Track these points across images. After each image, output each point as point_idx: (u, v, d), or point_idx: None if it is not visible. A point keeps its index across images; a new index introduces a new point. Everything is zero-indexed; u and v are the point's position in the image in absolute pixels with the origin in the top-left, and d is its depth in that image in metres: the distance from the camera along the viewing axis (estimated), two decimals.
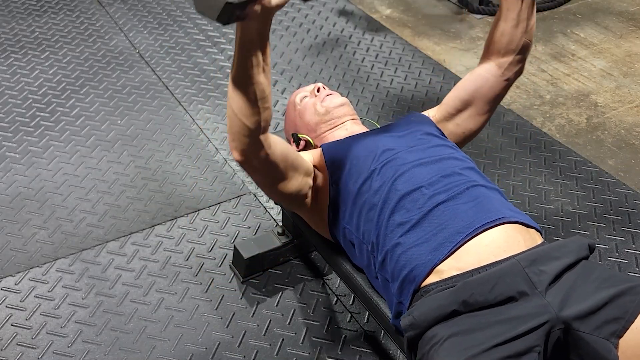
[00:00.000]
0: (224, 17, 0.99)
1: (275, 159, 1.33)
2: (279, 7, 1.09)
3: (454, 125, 1.60)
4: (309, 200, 1.49)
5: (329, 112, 1.63)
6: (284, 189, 1.41)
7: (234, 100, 1.20)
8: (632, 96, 2.86)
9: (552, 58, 3.12)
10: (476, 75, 1.57)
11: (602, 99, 2.84)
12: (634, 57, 3.12)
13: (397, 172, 1.37)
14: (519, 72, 1.56)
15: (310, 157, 1.51)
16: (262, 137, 1.26)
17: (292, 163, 1.39)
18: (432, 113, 1.65)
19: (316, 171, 1.49)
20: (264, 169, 1.35)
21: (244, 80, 1.17)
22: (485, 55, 1.56)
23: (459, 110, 1.59)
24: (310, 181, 1.46)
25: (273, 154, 1.31)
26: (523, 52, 1.52)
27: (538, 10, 3.50)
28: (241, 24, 1.11)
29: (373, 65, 3.06)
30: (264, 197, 2.30)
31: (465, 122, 1.60)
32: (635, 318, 1.16)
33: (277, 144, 1.34)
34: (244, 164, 1.31)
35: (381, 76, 2.98)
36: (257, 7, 1.05)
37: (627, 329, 1.15)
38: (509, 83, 1.57)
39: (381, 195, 1.36)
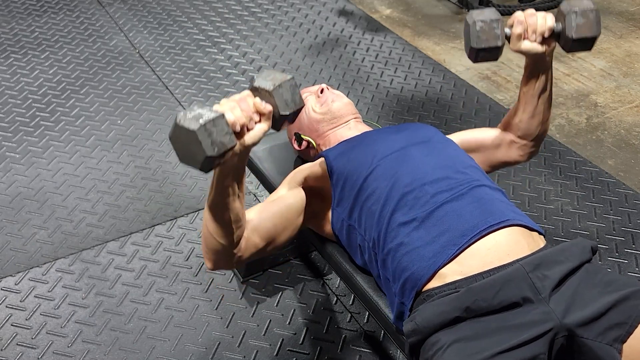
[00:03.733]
0: (207, 166, 1.07)
1: (252, 252, 1.36)
2: (255, 144, 1.15)
3: None
4: (309, 219, 1.50)
5: (332, 112, 1.63)
6: (276, 246, 1.44)
7: (209, 222, 1.26)
8: (632, 96, 2.86)
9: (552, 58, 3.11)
10: (495, 133, 1.61)
11: (602, 99, 2.84)
12: (634, 57, 3.12)
13: (399, 168, 1.37)
14: (533, 154, 1.62)
15: (300, 178, 1.49)
16: (234, 250, 1.31)
17: (279, 228, 1.41)
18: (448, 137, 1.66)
19: (316, 184, 1.49)
20: (240, 265, 1.41)
21: (219, 207, 1.22)
22: (505, 128, 1.61)
23: (467, 150, 1.62)
24: (302, 215, 1.47)
25: (247, 252, 1.35)
26: (538, 139, 1.58)
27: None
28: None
29: (373, 65, 3.06)
30: (263, 197, 2.30)
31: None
32: (639, 323, 1.15)
33: (256, 233, 1.35)
34: (217, 270, 1.38)
35: (381, 76, 2.98)
36: (236, 149, 1.11)
37: (631, 334, 1.15)
38: (521, 159, 1.63)
39: (382, 192, 1.35)
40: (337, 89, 2.87)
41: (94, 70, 2.98)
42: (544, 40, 1.40)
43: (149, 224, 2.20)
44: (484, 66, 3.06)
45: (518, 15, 1.38)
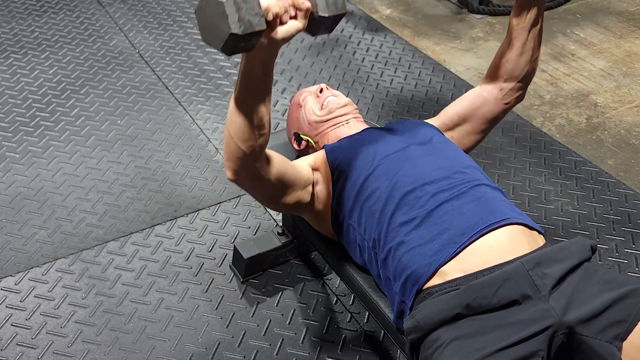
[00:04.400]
0: (229, 47, 1.00)
1: (269, 180, 1.33)
2: (285, 40, 1.10)
3: (450, 138, 1.61)
4: (311, 205, 1.49)
5: (331, 112, 1.64)
6: (282, 203, 1.42)
7: (232, 124, 1.21)
8: (632, 96, 2.86)
9: (552, 58, 3.12)
10: (477, 94, 1.59)
11: (602, 99, 2.84)
12: (633, 57, 3.12)
13: (400, 169, 1.38)
14: (519, 98, 1.59)
15: (311, 161, 1.51)
16: (257, 163, 1.27)
17: (288, 181, 1.40)
18: (430, 122, 1.65)
19: (319, 173, 1.49)
20: (257, 189, 1.36)
21: (244, 106, 1.18)
22: (489, 77, 1.58)
23: (456, 125, 1.62)
24: (310, 190, 1.47)
25: (267, 176, 1.31)
26: (525, 80, 1.55)
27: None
28: (246, 54, 1.11)
29: (373, 65, 3.06)
30: None
31: (461, 137, 1.62)
32: (638, 321, 1.15)
33: (273, 165, 1.33)
34: (237, 182, 1.32)
35: (381, 76, 2.98)
36: (264, 40, 1.07)
37: (631, 331, 1.15)
38: (508, 107, 1.60)
39: (383, 192, 1.36)
40: (337, 89, 2.87)
41: (94, 70, 2.98)
42: None
43: (149, 224, 2.20)
44: (484, 66, 3.06)
45: None
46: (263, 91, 1.17)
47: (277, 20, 1.07)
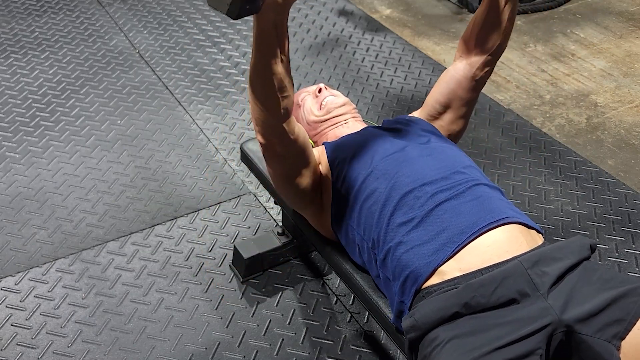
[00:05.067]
0: (235, 10, 0.97)
1: (297, 146, 1.34)
2: (293, 1, 1.08)
3: (438, 127, 1.61)
4: (313, 198, 1.49)
5: (330, 112, 1.64)
6: (295, 184, 1.43)
7: (254, 89, 1.21)
8: (632, 96, 2.86)
9: (552, 58, 3.12)
10: (449, 77, 1.58)
11: (602, 99, 2.84)
12: (633, 57, 3.12)
13: (398, 169, 1.38)
14: (488, 73, 1.57)
15: (315, 154, 1.51)
16: (284, 124, 1.27)
17: (307, 156, 1.41)
18: (416, 115, 1.65)
19: (322, 166, 1.50)
20: (285, 156, 1.36)
21: (261, 70, 1.17)
22: (459, 51, 1.57)
23: (440, 113, 1.61)
24: (317, 177, 1.47)
25: (296, 141, 1.32)
26: (495, 53, 1.53)
27: (538, 10, 3.50)
28: (257, 15, 1.09)
29: (373, 65, 3.06)
30: (264, 197, 2.30)
31: (448, 124, 1.62)
32: (637, 320, 1.15)
33: (300, 131, 1.35)
34: (267, 148, 1.32)
35: (381, 76, 2.98)
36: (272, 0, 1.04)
37: (629, 330, 1.15)
38: (478, 84, 1.58)
39: (382, 192, 1.36)
40: (337, 89, 2.87)
41: (94, 70, 2.98)
42: None
43: (149, 224, 2.20)
44: None
45: None
46: (279, 53, 1.15)
47: None
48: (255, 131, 1.29)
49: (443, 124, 1.61)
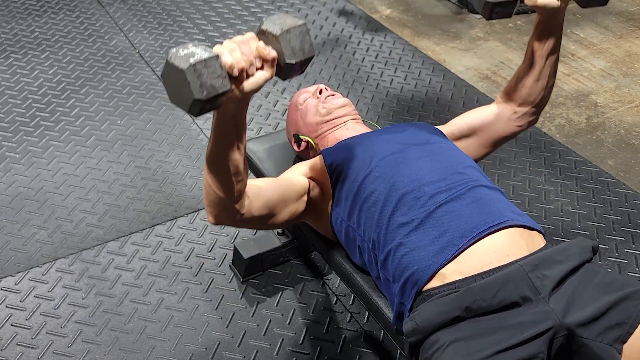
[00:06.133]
0: (195, 110, 1.00)
1: (253, 215, 1.31)
2: (254, 91, 1.08)
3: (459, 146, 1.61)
4: (308, 211, 1.50)
5: (330, 113, 1.63)
6: (275, 222, 1.41)
7: (209, 173, 1.21)
8: (632, 96, 2.86)
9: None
10: (491, 110, 1.60)
11: (602, 99, 2.84)
12: (633, 57, 3.12)
13: (397, 170, 1.37)
14: (532, 122, 1.61)
15: (305, 169, 1.49)
16: (236, 205, 1.26)
17: (278, 203, 1.38)
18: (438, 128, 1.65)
19: (317, 178, 1.49)
20: (243, 224, 1.35)
21: (219, 157, 1.17)
22: (504, 97, 1.59)
23: (464, 135, 1.62)
24: (305, 199, 1.46)
25: (248, 213, 1.30)
26: (540, 105, 1.56)
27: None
28: (216, 110, 1.10)
29: (373, 65, 3.06)
30: None
31: (466, 148, 1.62)
32: (639, 323, 1.15)
33: (258, 198, 1.31)
34: (219, 224, 1.32)
35: (381, 76, 2.98)
36: (231, 94, 1.05)
37: (631, 334, 1.14)
38: (520, 130, 1.61)
39: (381, 193, 1.35)
40: (337, 89, 2.87)
41: (94, 70, 2.98)
42: None
43: (149, 224, 2.20)
44: (484, 66, 3.06)
45: None
46: (237, 142, 1.16)
47: (243, 75, 1.05)
48: (207, 212, 1.28)
49: (460, 146, 1.61)
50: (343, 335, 1.85)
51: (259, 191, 1.31)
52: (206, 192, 1.24)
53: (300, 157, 1.80)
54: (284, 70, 1.08)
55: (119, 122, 2.68)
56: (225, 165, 1.17)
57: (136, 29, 3.32)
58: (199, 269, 2.04)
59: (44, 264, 2.05)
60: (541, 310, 1.15)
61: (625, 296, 1.17)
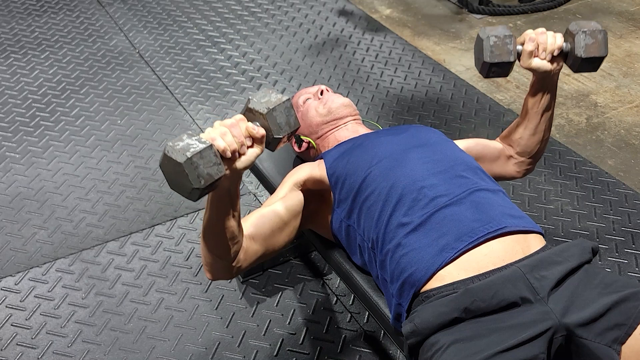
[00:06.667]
0: (195, 197, 1.07)
1: (251, 261, 1.36)
2: (247, 168, 1.14)
3: None
4: (308, 221, 1.51)
5: (332, 114, 1.63)
6: (275, 250, 1.43)
7: (206, 240, 1.26)
8: (632, 96, 2.86)
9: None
10: (495, 145, 1.64)
11: (602, 99, 2.84)
12: (634, 57, 3.12)
13: (397, 170, 1.37)
14: (529, 171, 1.66)
15: (301, 178, 1.48)
16: (233, 263, 1.31)
17: (275, 232, 1.40)
18: None
19: (317, 182, 1.49)
20: (242, 272, 1.40)
21: (215, 226, 1.22)
22: (504, 141, 1.64)
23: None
24: (300, 215, 1.47)
25: (246, 261, 1.34)
26: (536, 157, 1.62)
27: (538, 10, 3.50)
28: None
29: (373, 65, 3.06)
30: (263, 197, 2.30)
31: None
32: (638, 324, 1.15)
33: (253, 242, 1.35)
34: (216, 280, 1.40)
35: (381, 76, 2.98)
36: (227, 172, 1.11)
37: (630, 335, 1.14)
38: (516, 176, 1.66)
39: (381, 193, 1.35)
40: (337, 89, 2.87)
41: (94, 70, 2.98)
42: (553, 59, 1.44)
43: (149, 224, 2.20)
44: None
45: (529, 33, 1.42)
46: (231, 210, 1.21)
47: (236, 155, 1.12)
48: (205, 270, 1.34)
49: None
50: (343, 335, 1.85)
51: (253, 235, 1.35)
52: (204, 256, 1.29)
53: (300, 158, 1.80)
54: (272, 143, 1.17)
55: (119, 122, 2.68)
56: (222, 232, 1.23)
57: (136, 29, 3.32)
58: (199, 269, 2.04)
59: (44, 264, 2.05)
60: (540, 310, 1.15)
61: (625, 297, 1.17)
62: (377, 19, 3.46)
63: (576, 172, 2.43)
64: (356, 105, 2.78)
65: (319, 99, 1.67)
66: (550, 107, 1.53)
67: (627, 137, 2.62)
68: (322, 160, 1.51)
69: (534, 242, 1.30)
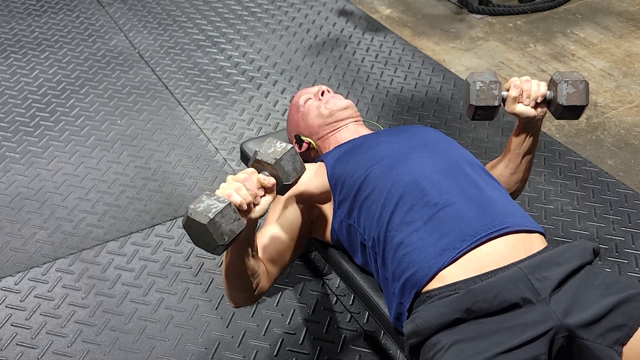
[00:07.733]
0: (220, 252, 1.16)
1: (271, 282, 1.46)
2: (262, 216, 1.23)
3: None
4: (312, 228, 1.54)
5: (333, 115, 1.63)
6: (290, 263, 1.51)
7: (229, 280, 1.36)
8: (631, 96, 2.86)
9: (552, 58, 3.12)
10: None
11: (602, 99, 2.84)
12: (633, 57, 3.12)
13: (399, 170, 1.37)
14: None
15: (303, 188, 1.48)
16: (255, 292, 1.40)
17: (286, 251, 1.48)
18: None
19: (316, 185, 1.49)
20: (264, 293, 1.48)
21: (237, 268, 1.31)
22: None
23: None
24: (303, 231, 1.51)
25: (267, 285, 1.44)
26: (514, 194, 1.65)
27: (538, 10, 3.50)
28: None
29: (373, 65, 3.06)
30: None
31: None
32: (639, 325, 1.15)
33: (272, 267, 1.45)
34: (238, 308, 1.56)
35: (381, 76, 2.98)
36: (244, 220, 1.18)
37: (631, 336, 1.15)
38: None
39: (382, 192, 1.35)
40: (337, 89, 2.88)
41: (94, 70, 2.98)
42: (536, 105, 1.48)
43: (149, 224, 2.20)
44: (484, 66, 3.06)
45: (514, 80, 1.47)
46: (250, 251, 1.30)
47: (251, 206, 1.20)
48: (229, 301, 1.43)
49: None
50: (343, 335, 1.85)
51: (265, 260, 1.43)
52: (227, 291, 1.39)
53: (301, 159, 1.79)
54: (282, 189, 1.27)
55: (119, 122, 2.68)
56: (243, 272, 1.32)
57: (136, 29, 3.32)
58: (199, 269, 2.04)
59: (44, 264, 2.05)
60: (541, 311, 1.15)
61: (626, 298, 1.17)
62: (377, 19, 3.46)
63: (576, 172, 2.43)
64: (356, 105, 2.78)
65: (320, 99, 1.67)
66: (532, 150, 1.57)
67: (627, 137, 2.62)
68: (322, 163, 1.51)
69: (536, 242, 1.30)
